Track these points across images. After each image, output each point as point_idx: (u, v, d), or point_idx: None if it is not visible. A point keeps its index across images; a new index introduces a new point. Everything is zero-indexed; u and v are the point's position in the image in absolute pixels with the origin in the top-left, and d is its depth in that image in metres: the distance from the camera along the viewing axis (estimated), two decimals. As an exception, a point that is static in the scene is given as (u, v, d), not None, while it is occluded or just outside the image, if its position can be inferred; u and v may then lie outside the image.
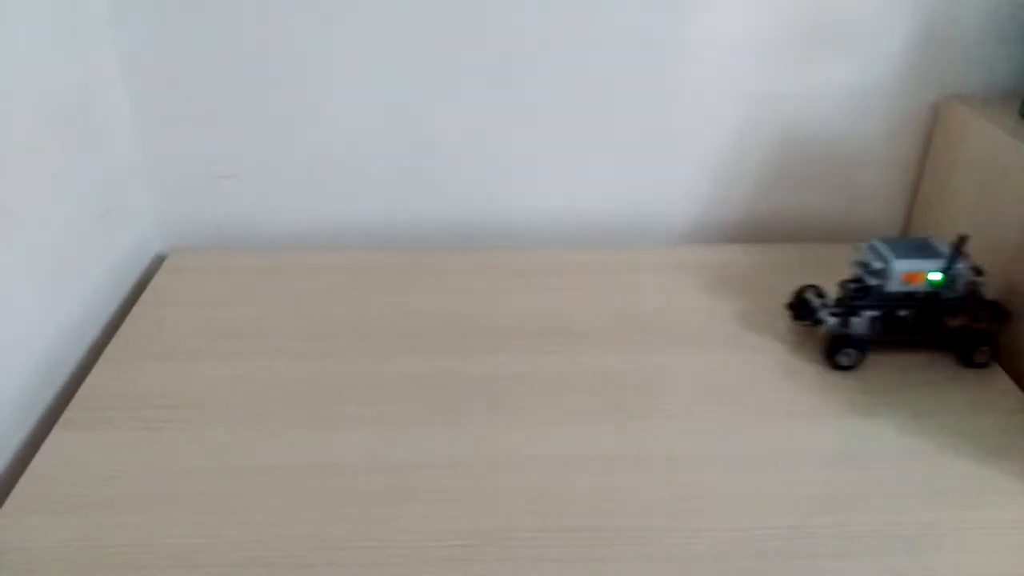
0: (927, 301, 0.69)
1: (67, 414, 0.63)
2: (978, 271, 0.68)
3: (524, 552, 0.52)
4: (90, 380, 0.67)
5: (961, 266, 0.68)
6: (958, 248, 0.67)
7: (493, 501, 0.56)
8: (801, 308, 0.73)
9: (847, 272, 0.71)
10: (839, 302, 0.70)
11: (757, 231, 0.91)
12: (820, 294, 0.73)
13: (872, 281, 0.69)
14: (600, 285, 0.80)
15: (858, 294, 0.69)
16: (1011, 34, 0.81)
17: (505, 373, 0.68)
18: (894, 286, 0.68)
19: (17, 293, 0.64)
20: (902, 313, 0.69)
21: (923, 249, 0.69)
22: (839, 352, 0.68)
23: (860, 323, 0.69)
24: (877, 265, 0.69)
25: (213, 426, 0.62)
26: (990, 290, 0.70)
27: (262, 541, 0.53)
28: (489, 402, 0.65)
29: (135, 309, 0.76)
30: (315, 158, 0.85)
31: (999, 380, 0.68)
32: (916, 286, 0.68)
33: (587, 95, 0.83)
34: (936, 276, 0.67)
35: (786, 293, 0.76)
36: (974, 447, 0.61)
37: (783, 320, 0.75)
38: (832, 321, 0.69)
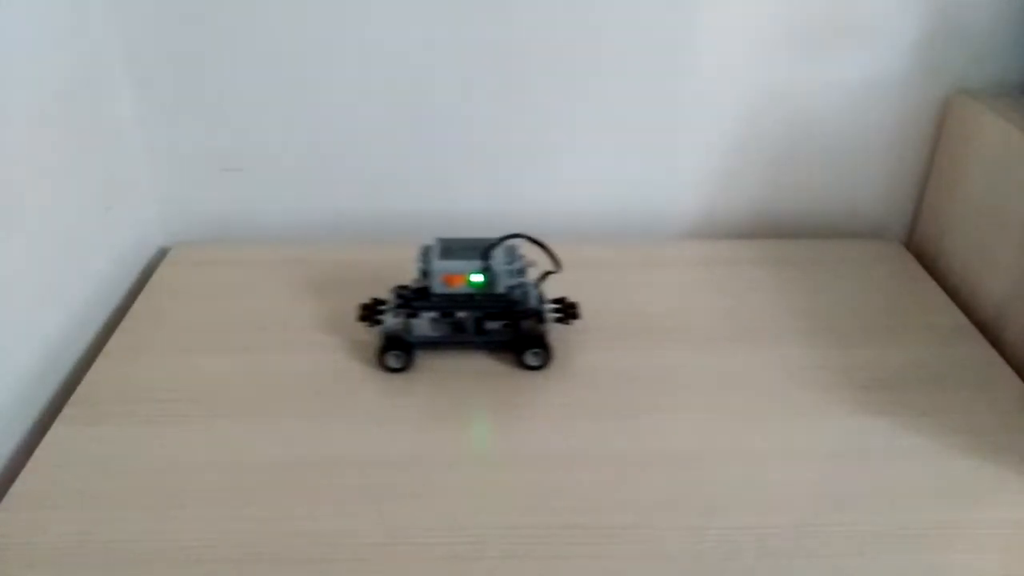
0: (484, 303, 0.67)
1: (69, 408, 0.63)
2: (553, 270, 0.66)
3: (527, 549, 0.52)
4: (92, 373, 0.67)
5: (505, 267, 0.66)
6: (492, 248, 0.66)
7: (497, 498, 0.56)
8: (371, 309, 0.70)
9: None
10: (402, 304, 0.67)
11: (764, 226, 0.91)
12: (403, 294, 0.69)
13: (424, 282, 0.67)
14: (603, 281, 0.79)
15: (415, 295, 0.67)
16: (1021, 28, 0.80)
17: (510, 368, 0.68)
18: (438, 287, 0.66)
19: (19, 286, 0.64)
20: (461, 315, 0.67)
21: (476, 250, 0.66)
22: (388, 353, 0.66)
23: (421, 325, 0.67)
24: (423, 266, 0.67)
25: (216, 420, 0.62)
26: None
27: (265, 536, 0.53)
28: (493, 397, 0.65)
29: (138, 302, 0.76)
30: (319, 151, 0.85)
31: (1004, 378, 0.68)
32: (458, 288, 0.66)
33: (592, 90, 0.83)
34: (478, 278, 0.66)
35: (792, 289, 0.76)
36: (979, 445, 0.61)
37: (785, 317, 0.74)
38: (392, 322, 0.67)
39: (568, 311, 0.70)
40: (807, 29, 0.81)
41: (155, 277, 0.80)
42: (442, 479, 0.57)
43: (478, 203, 0.88)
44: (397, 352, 0.66)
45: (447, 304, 0.67)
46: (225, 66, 0.80)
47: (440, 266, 0.65)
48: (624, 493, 0.56)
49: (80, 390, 0.65)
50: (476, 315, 0.67)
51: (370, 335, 0.71)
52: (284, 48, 0.80)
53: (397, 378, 0.67)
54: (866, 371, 0.68)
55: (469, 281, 0.66)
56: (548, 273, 0.67)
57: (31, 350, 0.65)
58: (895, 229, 0.92)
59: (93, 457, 0.58)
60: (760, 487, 0.57)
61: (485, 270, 0.65)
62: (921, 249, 0.87)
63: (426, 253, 0.67)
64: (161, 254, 0.85)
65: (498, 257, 0.66)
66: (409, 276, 0.68)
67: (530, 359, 0.67)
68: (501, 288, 0.66)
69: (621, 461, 0.59)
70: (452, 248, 0.67)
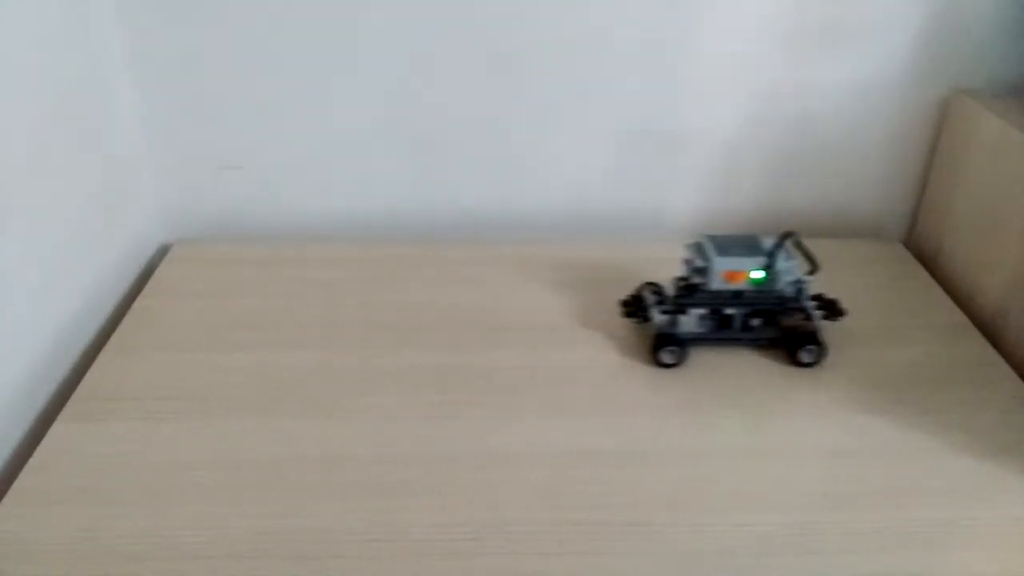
0: (755, 299, 0.68)
1: (70, 405, 0.63)
2: (813, 269, 0.67)
3: (526, 545, 0.52)
4: (93, 371, 0.67)
5: (785, 264, 0.66)
6: (779, 246, 0.66)
7: (496, 494, 0.56)
8: (633, 305, 0.71)
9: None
10: (670, 300, 0.69)
11: (763, 225, 0.91)
12: (657, 291, 0.71)
13: (697, 279, 0.67)
14: (602, 279, 0.79)
15: (684, 292, 0.68)
16: (1020, 28, 0.80)
17: (508, 366, 0.68)
18: (717, 284, 0.67)
19: (20, 283, 0.64)
20: (730, 311, 0.68)
21: (749, 247, 0.67)
22: (663, 350, 0.67)
23: (689, 321, 0.68)
24: (700, 263, 0.67)
25: (216, 418, 0.62)
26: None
27: (264, 533, 0.53)
28: (492, 395, 0.65)
29: (138, 300, 0.76)
30: (320, 150, 0.85)
31: (1003, 376, 0.68)
32: (738, 284, 0.67)
33: (592, 88, 0.83)
34: (759, 274, 0.66)
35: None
36: (978, 443, 0.61)
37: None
38: (661, 319, 0.68)
39: (832, 308, 0.70)
40: (807, 29, 0.81)
41: (156, 274, 0.80)
42: (444, 475, 0.57)
43: (478, 202, 0.88)
44: (672, 348, 0.67)
45: (718, 301, 0.67)
46: (226, 64, 0.80)
47: (722, 263, 0.66)
48: (624, 490, 0.56)
49: (82, 387, 0.65)
50: (744, 312, 0.68)
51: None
52: (285, 46, 0.80)
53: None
54: (866, 369, 0.68)
55: (750, 278, 0.66)
56: (812, 271, 0.67)
57: (32, 347, 0.65)
58: (895, 228, 0.92)
59: (94, 454, 0.59)
60: (760, 485, 0.57)
61: (767, 267, 0.66)
62: (921, 248, 0.87)
63: (700, 250, 0.68)
64: (162, 251, 0.85)
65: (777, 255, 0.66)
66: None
67: (804, 356, 0.67)
68: (781, 285, 0.67)
69: (620, 458, 0.59)
70: (725, 245, 0.67)
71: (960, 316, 0.75)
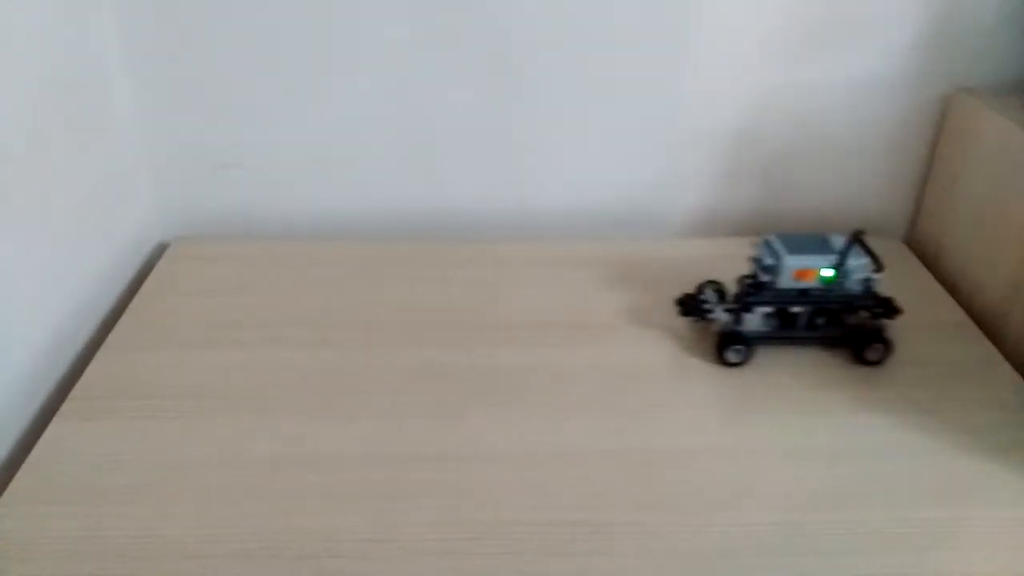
0: (821, 298, 0.68)
1: (68, 403, 0.63)
2: (878, 267, 0.67)
3: (525, 545, 0.52)
4: (91, 369, 0.66)
5: (854, 262, 0.66)
6: (851, 244, 0.66)
7: (494, 494, 0.56)
8: (689, 304, 0.71)
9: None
10: (734, 299, 0.69)
11: (763, 224, 0.91)
12: (719, 290, 0.71)
13: (765, 277, 0.67)
14: (602, 277, 0.79)
15: (751, 290, 0.68)
16: (1021, 25, 0.80)
17: (507, 365, 0.68)
18: (786, 282, 0.67)
19: (17, 281, 0.64)
20: (796, 310, 0.68)
21: (818, 245, 0.67)
22: (728, 349, 0.67)
23: (753, 320, 0.68)
24: (769, 261, 0.67)
25: (214, 416, 0.62)
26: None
27: (263, 532, 0.53)
28: (491, 394, 0.65)
29: (136, 298, 0.75)
30: (318, 148, 0.85)
31: (1005, 375, 0.68)
32: (808, 283, 0.67)
33: (591, 86, 0.83)
34: (828, 273, 0.66)
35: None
36: (978, 443, 0.61)
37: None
38: (725, 318, 0.68)
39: (888, 307, 0.69)
40: (807, 28, 0.80)
41: (154, 272, 0.79)
42: (443, 475, 0.57)
43: (477, 202, 0.88)
44: (737, 347, 0.67)
45: (784, 299, 0.67)
46: (224, 61, 0.80)
47: (793, 261, 0.66)
48: (623, 489, 0.56)
49: (79, 385, 0.65)
50: (810, 310, 0.68)
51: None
52: (283, 44, 0.79)
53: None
54: (866, 368, 0.68)
55: (819, 276, 0.66)
56: (878, 270, 0.67)
57: (30, 346, 0.65)
58: (896, 226, 0.91)
59: (92, 453, 0.58)
60: (760, 484, 0.57)
61: (838, 265, 0.66)
62: (922, 246, 0.87)
63: (770, 248, 0.68)
64: (160, 249, 0.85)
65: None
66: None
67: (871, 354, 0.68)
68: (850, 283, 0.67)
69: (618, 458, 0.59)
70: (795, 244, 0.67)
71: (961, 315, 0.75)
